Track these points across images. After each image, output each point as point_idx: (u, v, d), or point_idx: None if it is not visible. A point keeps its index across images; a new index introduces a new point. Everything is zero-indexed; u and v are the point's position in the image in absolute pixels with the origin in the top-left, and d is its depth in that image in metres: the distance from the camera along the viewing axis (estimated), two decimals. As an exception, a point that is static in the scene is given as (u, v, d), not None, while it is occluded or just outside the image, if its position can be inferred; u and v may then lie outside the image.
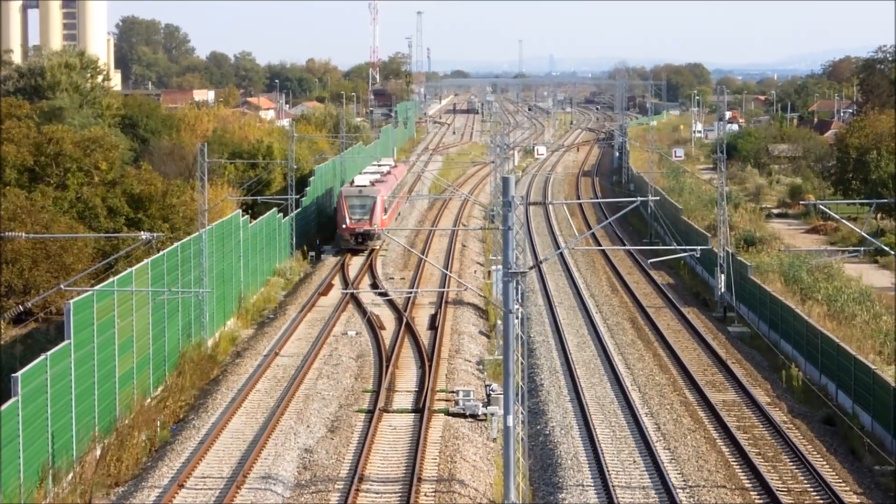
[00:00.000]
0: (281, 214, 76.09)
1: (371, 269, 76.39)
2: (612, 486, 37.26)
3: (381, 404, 45.44)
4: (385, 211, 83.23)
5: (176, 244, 51.43)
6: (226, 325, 58.79)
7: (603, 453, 40.33)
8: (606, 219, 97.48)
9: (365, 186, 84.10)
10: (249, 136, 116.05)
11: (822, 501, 36.27)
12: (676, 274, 77.39)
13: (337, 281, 73.27)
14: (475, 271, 78.78)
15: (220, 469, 38.40)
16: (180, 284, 49.68)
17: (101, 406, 39.82)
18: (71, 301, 37.69)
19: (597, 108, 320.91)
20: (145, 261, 46.28)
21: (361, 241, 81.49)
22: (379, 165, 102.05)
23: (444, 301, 64.79)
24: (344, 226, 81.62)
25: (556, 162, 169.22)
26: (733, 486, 37.55)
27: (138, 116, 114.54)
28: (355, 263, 79.39)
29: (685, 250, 64.93)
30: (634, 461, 40.00)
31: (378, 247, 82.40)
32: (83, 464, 37.28)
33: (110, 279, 42.68)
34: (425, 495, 36.00)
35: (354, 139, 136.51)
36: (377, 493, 36.24)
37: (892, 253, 62.08)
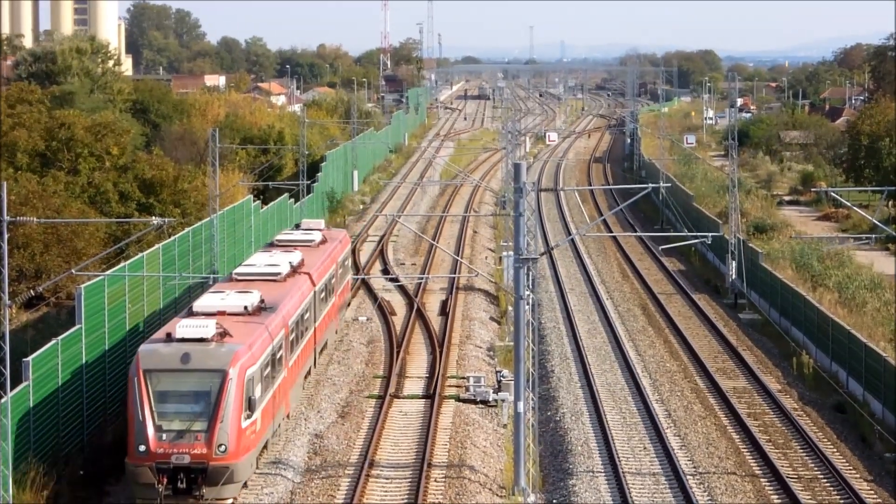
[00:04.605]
0: (292, 200, 76.06)
1: (382, 254, 76.34)
2: (623, 472, 37.27)
3: (391, 390, 45.47)
4: (251, 407, 33.70)
5: (187, 229, 51.46)
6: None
7: (613, 440, 40.33)
8: (618, 205, 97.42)
9: (201, 343, 33.60)
10: (260, 121, 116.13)
11: (832, 489, 36.25)
12: (687, 260, 77.29)
13: None
14: (486, 257, 78.72)
15: (230, 454, 38.24)
16: (191, 269, 49.68)
17: (111, 391, 39.85)
18: (82, 286, 37.73)
19: (608, 95, 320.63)
20: (156, 246, 46.36)
21: (187, 488, 32.61)
22: (284, 247, 48.78)
23: (454, 287, 64.74)
24: (142, 448, 32.55)
25: (568, 148, 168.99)
26: (743, 473, 37.54)
27: (149, 101, 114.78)
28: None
29: (696, 237, 64.82)
30: (645, 448, 39.99)
31: (234, 497, 33.67)
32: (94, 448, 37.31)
33: (121, 264, 42.72)
34: (435, 481, 36.02)
35: (366, 125, 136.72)
36: (387, 479, 36.27)
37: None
